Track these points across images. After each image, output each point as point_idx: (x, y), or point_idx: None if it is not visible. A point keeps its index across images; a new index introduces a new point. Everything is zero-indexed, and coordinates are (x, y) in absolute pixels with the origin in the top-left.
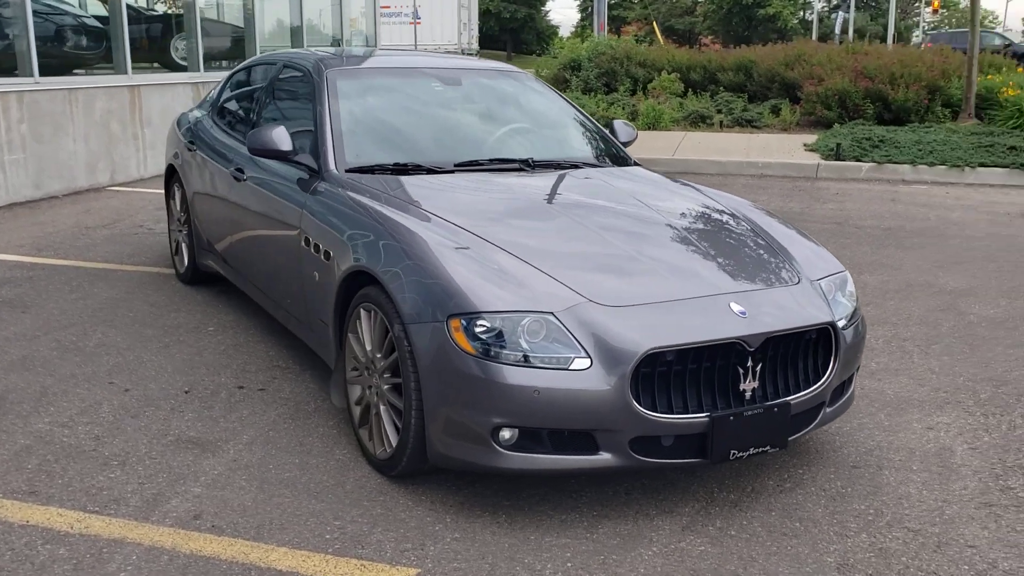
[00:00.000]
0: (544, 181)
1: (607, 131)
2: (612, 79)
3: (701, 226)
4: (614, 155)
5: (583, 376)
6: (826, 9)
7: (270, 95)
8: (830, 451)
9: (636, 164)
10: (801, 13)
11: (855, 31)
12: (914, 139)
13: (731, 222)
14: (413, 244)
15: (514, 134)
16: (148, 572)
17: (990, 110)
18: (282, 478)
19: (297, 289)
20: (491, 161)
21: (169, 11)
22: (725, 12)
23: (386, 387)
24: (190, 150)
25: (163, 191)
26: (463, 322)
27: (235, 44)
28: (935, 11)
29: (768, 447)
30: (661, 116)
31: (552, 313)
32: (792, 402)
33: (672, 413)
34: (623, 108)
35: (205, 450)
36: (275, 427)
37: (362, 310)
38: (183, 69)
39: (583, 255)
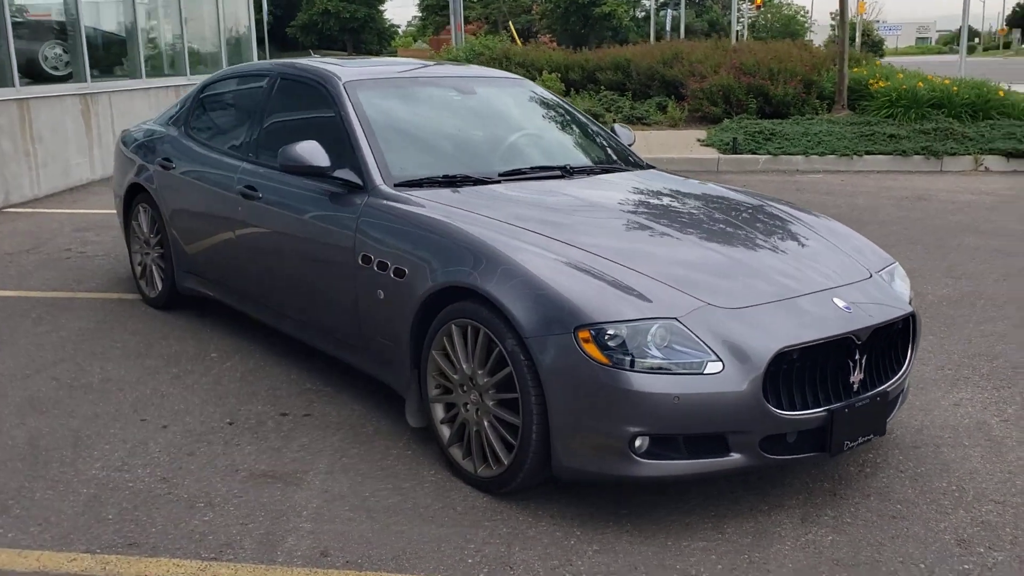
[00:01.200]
0: (599, 188)
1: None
2: None
3: (768, 225)
4: (632, 160)
5: (717, 379)
6: (655, 6)
7: (269, 110)
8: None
9: (651, 167)
10: (632, 11)
11: (685, 28)
12: (801, 131)
13: (790, 220)
14: (515, 259)
15: (540, 141)
16: None
17: (861, 101)
18: (385, 505)
19: (346, 309)
20: (532, 169)
21: (44, 19)
22: (562, 11)
23: (491, 403)
24: (165, 168)
25: (71, 211)
26: (592, 332)
27: (119, 53)
28: (757, 7)
29: (872, 435)
30: None
31: (676, 319)
32: (888, 390)
33: (795, 410)
34: None
35: (288, 483)
36: (345, 453)
37: (454, 326)
38: (58, 80)
39: (680, 260)
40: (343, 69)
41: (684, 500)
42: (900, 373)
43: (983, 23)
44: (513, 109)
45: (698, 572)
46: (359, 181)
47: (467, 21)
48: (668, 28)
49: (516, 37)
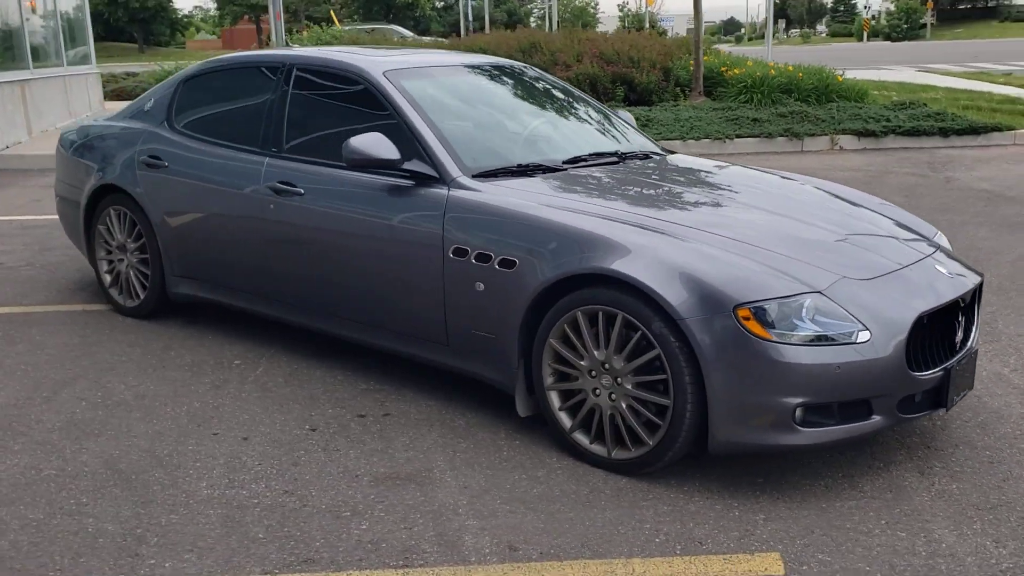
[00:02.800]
0: (669, 173)
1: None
2: None
3: (837, 202)
4: (655, 145)
5: (868, 347)
6: None
7: (292, 102)
8: None
9: (673, 152)
10: (433, 1)
11: (480, 17)
12: (672, 117)
13: (848, 197)
14: (654, 245)
15: (581, 127)
16: None
17: (717, 88)
18: (535, 495)
19: (427, 304)
20: (590, 156)
21: None
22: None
23: (630, 386)
24: (152, 167)
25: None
26: (752, 310)
27: None
28: None
29: (967, 390)
30: None
31: (820, 292)
32: (975, 347)
33: (922, 371)
34: None
35: (420, 483)
36: (455, 448)
37: (580, 313)
38: None
39: (795, 238)
40: (371, 59)
41: (804, 464)
42: (977, 333)
43: (746, 15)
44: (541, 96)
45: (870, 528)
46: (433, 173)
47: (263, 10)
48: (471, 18)
49: (337, 21)
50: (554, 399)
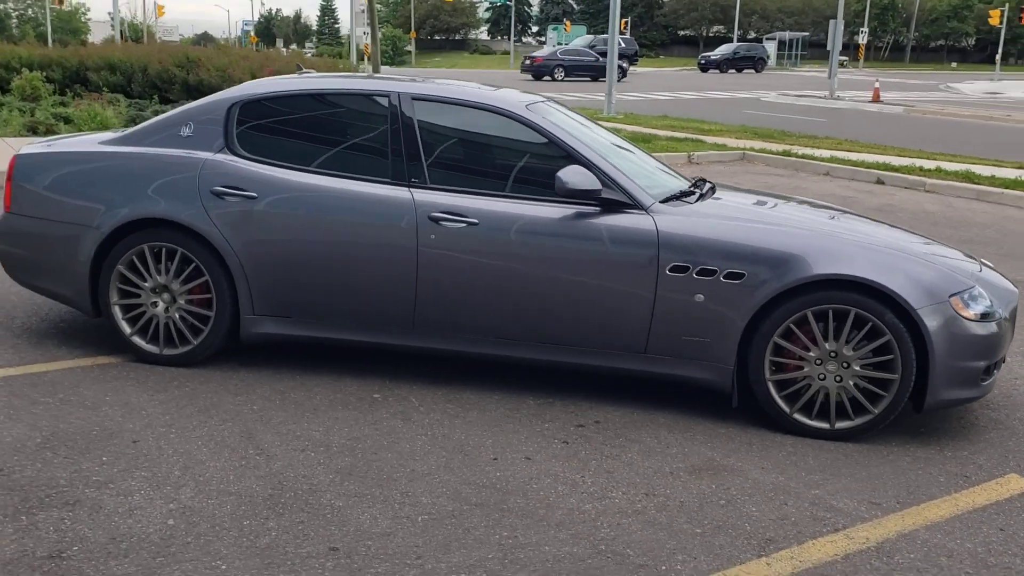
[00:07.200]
0: (759, 198)
1: None
2: None
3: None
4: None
5: (1002, 320)
6: None
7: (423, 136)
8: None
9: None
10: None
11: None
12: None
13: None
14: (870, 249)
15: (643, 157)
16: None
17: None
18: (821, 465)
19: (630, 318)
20: (693, 186)
21: None
22: None
23: (858, 367)
24: (228, 198)
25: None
26: (960, 298)
27: None
28: (60, 4)
29: None
30: (108, 120)
31: (976, 284)
32: None
33: None
34: (44, 114)
35: (732, 473)
36: (711, 447)
37: (810, 314)
38: None
39: (912, 242)
40: (509, 94)
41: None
42: None
43: (229, 30)
44: (593, 126)
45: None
46: (627, 200)
47: None
48: None
49: None
50: (772, 389)
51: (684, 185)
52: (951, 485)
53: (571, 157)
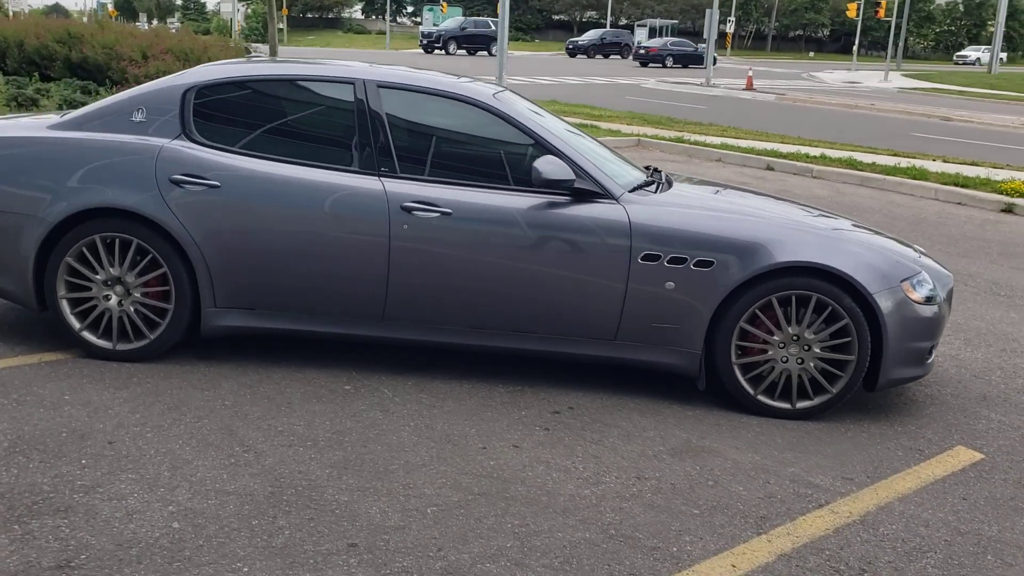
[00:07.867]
0: (715, 187)
1: None
2: None
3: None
4: None
5: (942, 303)
6: None
7: (389, 123)
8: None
9: None
10: None
11: None
12: None
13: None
14: (835, 238)
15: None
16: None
17: None
18: (794, 443)
19: (601, 306)
20: (651, 174)
21: None
22: None
23: (819, 349)
24: (188, 186)
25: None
26: (910, 283)
27: None
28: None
29: None
30: None
31: (921, 270)
32: None
33: None
34: None
35: (711, 454)
36: (685, 430)
37: (775, 299)
38: None
39: (848, 227)
40: (475, 85)
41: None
42: None
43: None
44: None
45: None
46: (598, 189)
47: None
48: None
49: None
50: (737, 372)
51: (643, 175)
52: (909, 459)
53: (541, 147)
